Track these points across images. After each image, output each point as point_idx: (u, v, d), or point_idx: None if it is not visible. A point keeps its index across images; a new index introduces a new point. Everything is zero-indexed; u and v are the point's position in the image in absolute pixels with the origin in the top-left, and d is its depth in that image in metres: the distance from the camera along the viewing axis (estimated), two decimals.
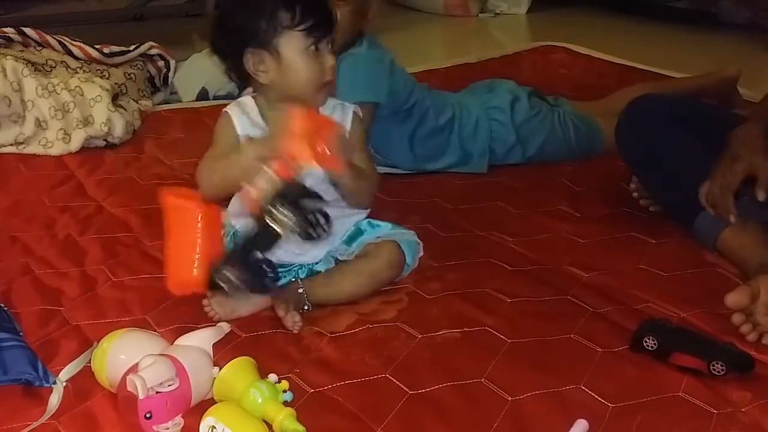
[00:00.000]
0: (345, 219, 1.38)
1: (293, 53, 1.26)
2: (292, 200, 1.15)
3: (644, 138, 1.66)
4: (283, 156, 1.17)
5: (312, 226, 1.15)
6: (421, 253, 1.46)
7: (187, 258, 1.20)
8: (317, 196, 1.18)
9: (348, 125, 1.35)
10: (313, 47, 1.27)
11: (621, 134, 1.73)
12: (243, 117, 1.33)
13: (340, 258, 1.37)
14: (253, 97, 1.35)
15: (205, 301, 1.29)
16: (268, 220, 1.15)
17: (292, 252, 1.35)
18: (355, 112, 1.38)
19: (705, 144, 1.60)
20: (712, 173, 1.47)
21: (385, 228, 1.40)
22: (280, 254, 1.36)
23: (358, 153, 1.35)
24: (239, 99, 1.36)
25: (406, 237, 1.42)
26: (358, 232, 1.39)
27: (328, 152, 1.16)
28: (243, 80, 1.34)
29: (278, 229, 1.15)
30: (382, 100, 1.77)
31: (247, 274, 1.17)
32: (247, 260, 1.18)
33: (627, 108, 1.73)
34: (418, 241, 1.44)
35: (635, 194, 1.76)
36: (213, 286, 1.19)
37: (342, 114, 1.36)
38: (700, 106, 1.81)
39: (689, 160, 1.60)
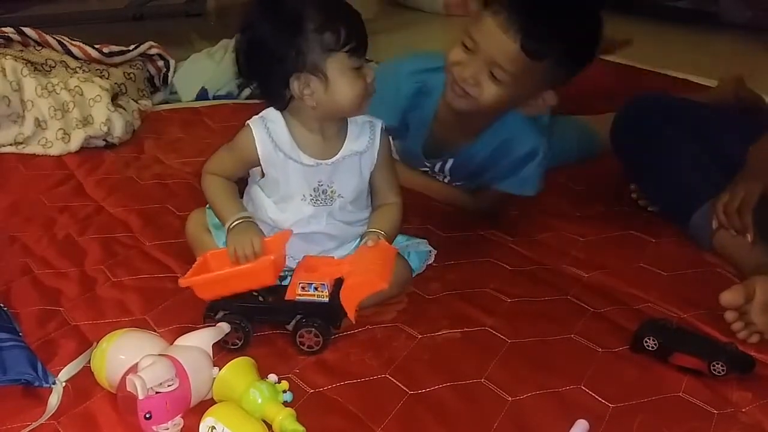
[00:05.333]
0: (354, 227, 1.37)
1: (340, 74, 1.25)
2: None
3: (639, 136, 1.67)
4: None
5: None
6: (432, 260, 1.46)
7: (230, 291, 1.25)
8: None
9: (378, 144, 1.35)
10: (356, 66, 1.27)
11: (616, 133, 1.74)
12: (264, 133, 1.30)
13: None
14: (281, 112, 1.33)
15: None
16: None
17: (293, 258, 1.34)
18: (382, 126, 1.37)
19: (700, 143, 1.60)
20: (731, 189, 1.46)
21: (399, 240, 1.38)
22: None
23: (387, 173, 1.37)
24: (264, 113, 1.33)
25: (420, 247, 1.42)
26: None
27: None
28: (281, 103, 1.31)
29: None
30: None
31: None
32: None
33: (623, 107, 1.74)
34: (430, 249, 1.44)
35: (634, 195, 1.76)
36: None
37: (372, 134, 1.35)
38: (694, 105, 1.81)
39: (683, 159, 1.61)
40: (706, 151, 1.60)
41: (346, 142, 1.33)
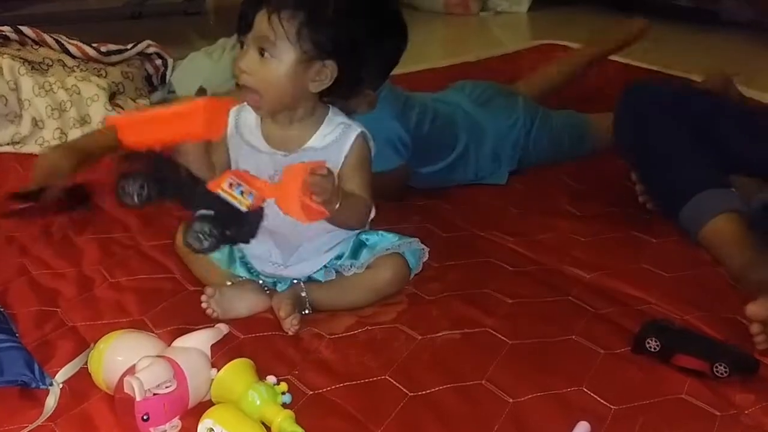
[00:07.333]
0: (314, 233, 1.31)
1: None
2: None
3: (638, 125, 1.65)
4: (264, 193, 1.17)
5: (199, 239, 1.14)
6: (426, 257, 1.42)
7: (156, 137, 1.15)
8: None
9: (347, 148, 1.27)
10: (239, 43, 1.24)
11: (617, 121, 1.72)
12: (234, 117, 1.30)
13: (345, 273, 1.32)
14: None
15: (203, 297, 1.29)
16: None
17: (274, 264, 1.33)
18: (361, 135, 1.28)
19: (696, 132, 1.59)
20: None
21: (391, 239, 1.35)
22: (264, 266, 1.35)
23: (355, 179, 1.27)
24: None
25: (413, 246, 1.38)
26: (361, 245, 1.34)
27: (314, 206, 1.14)
28: None
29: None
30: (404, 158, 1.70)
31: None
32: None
33: (623, 95, 1.71)
34: (423, 247, 1.40)
35: (637, 188, 1.74)
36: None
37: (342, 136, 1.27)
38: (693, 94, 1.78)
39: (676, 149, 1.59)
40: (702, 141, 1.57)
41: (312, 138, 1.27)
